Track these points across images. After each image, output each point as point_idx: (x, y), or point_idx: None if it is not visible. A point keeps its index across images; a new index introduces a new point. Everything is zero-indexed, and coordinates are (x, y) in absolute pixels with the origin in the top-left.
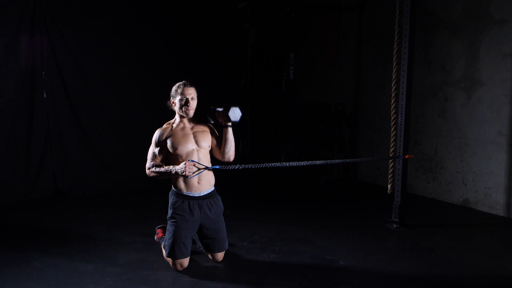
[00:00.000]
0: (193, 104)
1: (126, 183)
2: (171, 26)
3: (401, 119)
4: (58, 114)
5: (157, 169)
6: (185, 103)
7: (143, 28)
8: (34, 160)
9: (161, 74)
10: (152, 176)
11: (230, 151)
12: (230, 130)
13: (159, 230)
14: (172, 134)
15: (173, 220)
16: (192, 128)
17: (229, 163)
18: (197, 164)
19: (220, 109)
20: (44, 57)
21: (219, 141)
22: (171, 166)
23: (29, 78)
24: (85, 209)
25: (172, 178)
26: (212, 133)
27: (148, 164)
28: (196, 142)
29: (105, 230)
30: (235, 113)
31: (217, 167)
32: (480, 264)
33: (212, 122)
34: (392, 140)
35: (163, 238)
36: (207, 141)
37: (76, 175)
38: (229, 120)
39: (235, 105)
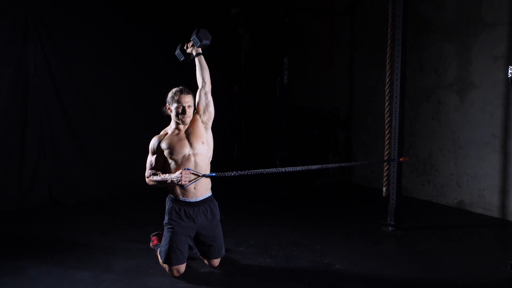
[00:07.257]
0: (190, 112)
1: (121, 189)
2: (164, 32)
3: (395, 122)
4: (51, 121)
5: (154, 178)
6: (182, 112)
7: (136, 34)
8: (28, 168)
9: (155, 80)
10: (151, 184)
11: (208, 77)
12: (202, 57)
13: (154, 237)
14: (167, 141)
15: (169, 226)
16: (186, 131)
17: (225, 169)
18: (193, 172)
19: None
20: (36, 64)
21: (199, 96)
22: (167, 175)
23: (22, 85)
24: (80, 217)
25: (169, 184)
26: (197, 110)
27: (146, 173)
28: (191, 145)
29: (101, 237)
30: (206, 34)
31: (213, 174)
32: (476, 266)
33: (183, 58)
34: (386, 143)
35: (158, 245)
36: (199, 136)
37: (70, 183)
38: (201, 43)
39: (202, 28)
